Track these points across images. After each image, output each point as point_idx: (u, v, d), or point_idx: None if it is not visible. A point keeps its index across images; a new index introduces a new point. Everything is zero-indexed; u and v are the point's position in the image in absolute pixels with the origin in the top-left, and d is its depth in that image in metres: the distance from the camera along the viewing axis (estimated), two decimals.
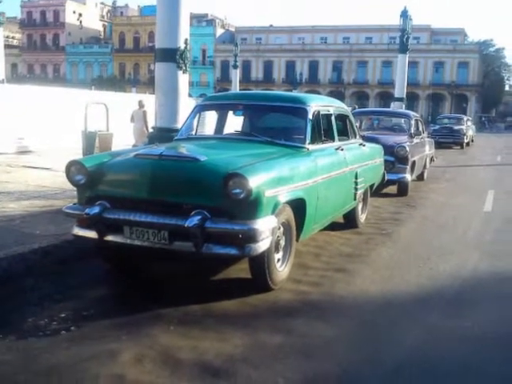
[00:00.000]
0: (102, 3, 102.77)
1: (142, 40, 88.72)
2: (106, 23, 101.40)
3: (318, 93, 63.59)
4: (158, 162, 4.87)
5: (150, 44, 78.34)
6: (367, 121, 14.58)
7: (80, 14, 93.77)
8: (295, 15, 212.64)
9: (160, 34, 8.14)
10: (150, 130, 9.37)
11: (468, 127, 32.57)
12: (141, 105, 15.39)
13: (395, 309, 4.98)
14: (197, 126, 6.86)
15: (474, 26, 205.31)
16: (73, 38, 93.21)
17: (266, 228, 4.63)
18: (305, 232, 5.67)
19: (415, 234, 8.10)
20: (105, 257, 5.66)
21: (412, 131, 12.62)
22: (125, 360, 3.69)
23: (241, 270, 5.52)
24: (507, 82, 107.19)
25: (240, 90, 47.41)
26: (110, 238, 4.92)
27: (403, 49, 24.54)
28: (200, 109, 6.95)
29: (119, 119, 15.32)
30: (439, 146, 25.11)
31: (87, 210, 4.82)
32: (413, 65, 62.29)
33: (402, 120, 13.81)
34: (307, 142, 6.03)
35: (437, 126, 31.55)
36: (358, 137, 8.09)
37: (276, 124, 6.99)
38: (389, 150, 10.45)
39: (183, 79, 8.19)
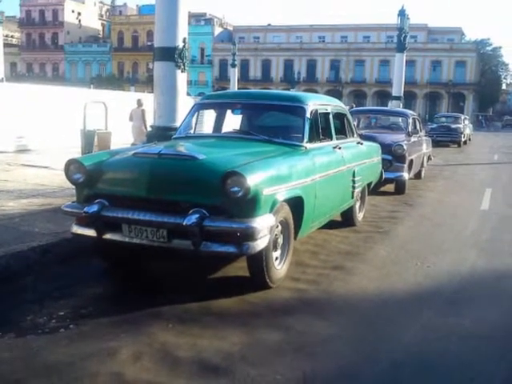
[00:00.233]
0: (101, 2, 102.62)
1: (141, 39, 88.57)
2: (104, 22, 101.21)
3: (316, 91, 63.58)
4: (157, 161, 4.89)
5: (149, 43, 78.19)
6: (365, 119, 14.57)
7: (79, 13, 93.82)
8: (293, 14, 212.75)
9: (158, 33, 8.15)
10: (149, 129, 9.37)
11: (465, 126, 32.59)
12: (139, 103, 15.38)
13: (393, 307, 5.00)
14: (195, 125, 6.88)
15: (471, 25, 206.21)
16: (72, 37, 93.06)
17: (264, 226, 4.64)
18: (303, 230, 5.68)
19: (412, 232, 8.12)
20: (103, 255, 5.67)
21: (409, 130, 12.63)
22: (123, 358, 3.71)
23: (239, 268, 5.53)
24: (504, 80, 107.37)
25: (238, 88, 47.40)
26: (108, 236, 4.94)
27: (401, 48, 24.58)
28: (198, 107, 6.97)
29: (118, 118, 15.31)
30: (436, 144, 25.13)
31: (86, 209, 4.84)
32: (410, 64, 62.18)
33: (400, 119, 13.82)
34: (305, 140, 6.05)
35: (434, 125, 31.59)
36: (355, 135, 8.11)
37: (274, 123, 7.01)
38: (386, 148, 10.47)
39: (181, 78, 8.20)
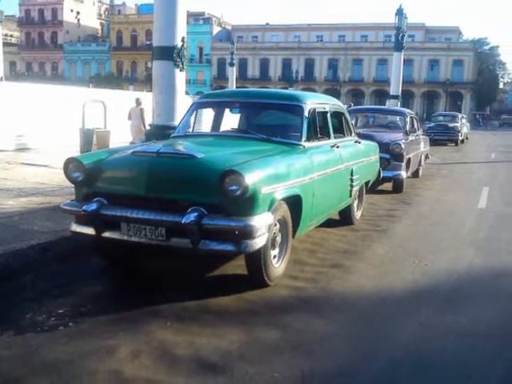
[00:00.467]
0: (100, 1, 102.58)
1: (140, 38, 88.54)
2: (103, 21, 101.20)
3: (314, 90, 63.68)
4: (156, 159, 4.90)
5: (148, 42, 78.27)
6: (363, 118, 14.59)
7: (78, 13, 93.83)
8: (291, 13, 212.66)
9: (157, 32, 8.16)
10: (148, 128, 9.38)
11: (463, 125, 32.61)
12: (138, 102, 15.39)
13: (390, 305, 5.01)
14: (194, 124, 6.90)
15: (469, 25, 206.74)
16: (71, 36, 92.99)
17: (263, 224, 4.66)
18: (301, 228, 5.70)
19: (410, 231, 8.13)
20: (102, 253, 5.67)
21: (407, 129, 12.66)
22: (122, 356, 3.72)
23: (237, 267, 5.54)
24: (501, 79, 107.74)
25: (236, 87, 47.42)
26: (107, 234, 4.95)
27: (398, 47, 24.61)
28: (197, 106, 6.98)
29: (117, 117, 15.30)
30: (434, 143, 25.16)
31: (85, 207, 4.85)
32: (408, 63, 62.23)
33: (398, 118, 13.83)
34: (303, 139, 6.06)
35: (432, 124, 31.59)
36: (353, 134, 8.13)
37: (272, 121, 7.02)
38: (384, 147, 10.49)
39: (180, 77, 8.21)
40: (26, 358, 3.66)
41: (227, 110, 7.28)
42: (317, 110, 6.54)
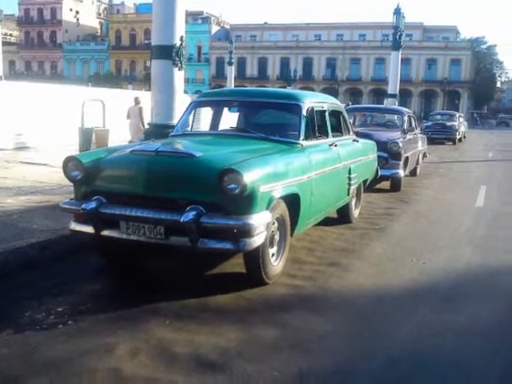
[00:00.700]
0: (99, 1, 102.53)
1: (138, 37, 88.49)
2: (102, 21, 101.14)
3: (312, 89, 63.59)
4: (154, 158, 4.91)
5: (146, 41, 78.26)
6: (361, 117, 14.60)
7: (77, 12, 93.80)
8: (289, 13, 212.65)
9: (156, 32, 8.17)
10: (146, 127, 9.40)
11: (460, 123, 32.62)
12: (137, 101, 15.39)
13: (388, 303, 5.03)
14: (192, 123, 6.90)
15: (467, 24, 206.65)
16: (70, 36, 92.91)
17: (261, 223, 4.67)
18: (299, 227, 5.72)
19: (408, 229, 8.15)
20: (101, 252, 5.68)
21: (405, 127, 12.67)
22: (121, 354, 3.72)
23: (236, 265, 5.55)
24: (499, 78, 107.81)
25: (235, 86, 47.42)
26: (106, 232, 4.96)
27: (396, 46, 24.66)
28: (195, 105, 6.99)
29: (116, 116, 15.30)
30: (432, 142, 25.12)
31: (84, 206, 4.86)
32: (406, 62, 62.35)
33: (395, 116, 13.84)
34: (301, 138, 6.07)
35: (429, 123, 31.63)
36: (351, 133, 8.15)
37: (270, 120, 7.03)
38: (382, 146, 10.50)
39: (179, 76, 8.23)
40: (25, 356, 3.67)
41: (226, 109, 7.28)
42: (315, 109, 6.55)
